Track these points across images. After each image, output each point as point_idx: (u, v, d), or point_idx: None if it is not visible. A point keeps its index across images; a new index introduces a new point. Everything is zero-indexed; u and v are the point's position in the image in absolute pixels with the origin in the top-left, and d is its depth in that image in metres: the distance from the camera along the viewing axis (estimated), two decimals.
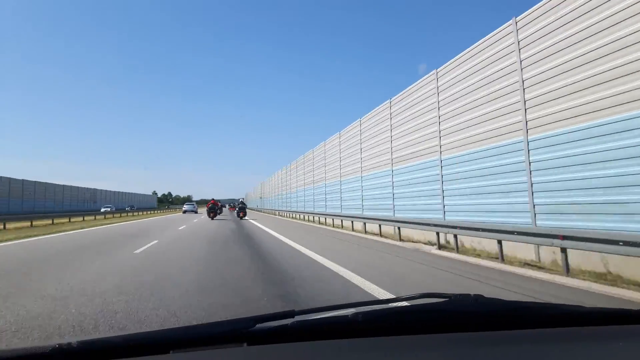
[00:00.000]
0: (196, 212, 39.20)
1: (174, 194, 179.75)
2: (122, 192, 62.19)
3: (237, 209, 26.69)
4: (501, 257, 6.82)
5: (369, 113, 14.62)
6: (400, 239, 10.76)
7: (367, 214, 14.03)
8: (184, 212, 39.17)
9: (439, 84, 9.78)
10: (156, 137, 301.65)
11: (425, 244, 9.78)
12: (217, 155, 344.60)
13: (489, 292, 4.05)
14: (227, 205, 46.88)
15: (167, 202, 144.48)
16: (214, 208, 24.53)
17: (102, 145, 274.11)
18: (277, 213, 34.97)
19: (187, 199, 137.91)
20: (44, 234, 13.63)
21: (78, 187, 42.58)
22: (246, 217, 25.37)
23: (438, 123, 9.72)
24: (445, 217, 9.19)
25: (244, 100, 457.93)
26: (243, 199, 39.23)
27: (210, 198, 26.79)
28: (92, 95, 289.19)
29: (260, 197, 55.13)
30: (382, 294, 4.42)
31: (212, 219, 23.84)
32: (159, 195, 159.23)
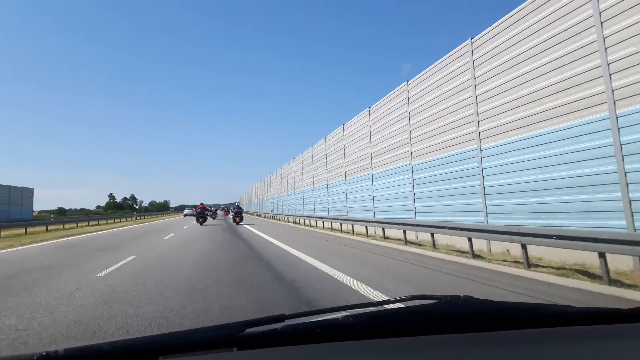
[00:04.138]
0: (194, 216, 42.20)
1: (148, 200, 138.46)
2: None
3: (232, 213, 24.93)
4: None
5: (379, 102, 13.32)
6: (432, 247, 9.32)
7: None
8: (185, 215, 47.98)
9: (474, 56, 8.45)
10: (129, 141, 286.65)
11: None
12: (198, 160, 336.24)
13: None
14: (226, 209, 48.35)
15: (129, 208, 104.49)
16: (203, 213, 22.99)
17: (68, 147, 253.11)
18: (278, 217, 32.94)
19: (164, 205, 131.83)
20: None
21: None
22: (242, 223, 23.03)
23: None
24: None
25: (229, 105, 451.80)
26: (238, 203, 38.24)
27: (189, 204, 25.18)
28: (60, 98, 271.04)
29: (252, 201, 54.31)
30: None
31: (202, 224, 22.18)
32: (119, 200, 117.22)
